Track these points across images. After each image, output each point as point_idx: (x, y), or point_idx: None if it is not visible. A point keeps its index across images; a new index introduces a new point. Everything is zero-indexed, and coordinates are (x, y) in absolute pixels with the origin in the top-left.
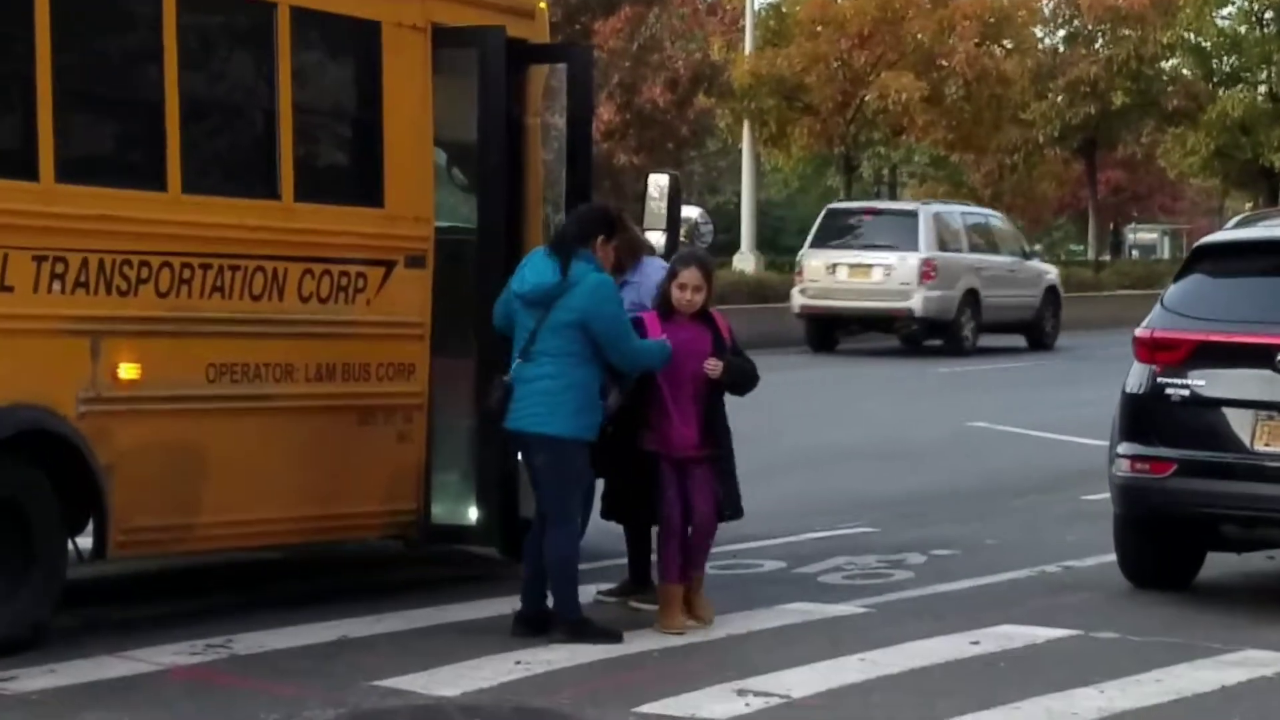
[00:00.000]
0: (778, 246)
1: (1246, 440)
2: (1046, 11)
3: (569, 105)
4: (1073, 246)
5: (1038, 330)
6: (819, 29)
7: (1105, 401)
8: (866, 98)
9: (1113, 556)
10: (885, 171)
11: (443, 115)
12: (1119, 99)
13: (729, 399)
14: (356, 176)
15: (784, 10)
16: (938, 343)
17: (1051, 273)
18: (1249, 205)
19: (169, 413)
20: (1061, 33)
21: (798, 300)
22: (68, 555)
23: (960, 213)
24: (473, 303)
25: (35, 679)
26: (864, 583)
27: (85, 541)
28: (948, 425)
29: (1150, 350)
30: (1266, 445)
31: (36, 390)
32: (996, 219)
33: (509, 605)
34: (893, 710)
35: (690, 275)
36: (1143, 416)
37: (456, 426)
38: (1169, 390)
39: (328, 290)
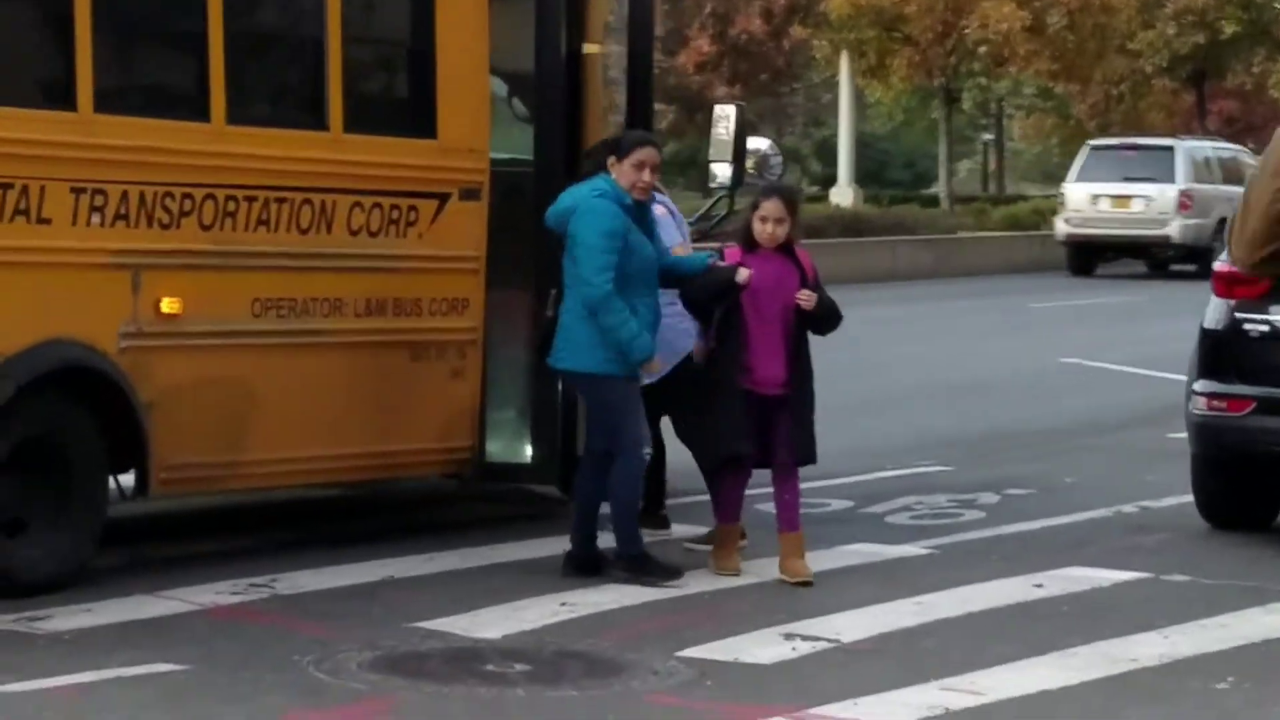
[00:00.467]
0: (882, 180)
1: None
2: None
3: (630, 33)
4: None
5: None
6: None
7: None
8: (967, 28)
9: (1191, 497)
10: (993, 105)
11: (501, 43)
12: (1229, 28)
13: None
14: (408, 107)
15: None
16: (1192, 268)
17: None
18: None
19: (213, 348)
20: None
21: (1062, 229)
22: (109, 493)
23: (1212, 148)
24: (530, 237)
25: (71, 618)
26: (932, 523)
27: (128, 479)
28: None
29: (1228, 285)
30: None
31: (75, 326)
32: (1245, 154)
33: (562, 545)
34: (942, 655)
35: (772, 207)
36: (1220, 353)
37: (512, 362)
38: (1247, 326)
39: (378, 223)
